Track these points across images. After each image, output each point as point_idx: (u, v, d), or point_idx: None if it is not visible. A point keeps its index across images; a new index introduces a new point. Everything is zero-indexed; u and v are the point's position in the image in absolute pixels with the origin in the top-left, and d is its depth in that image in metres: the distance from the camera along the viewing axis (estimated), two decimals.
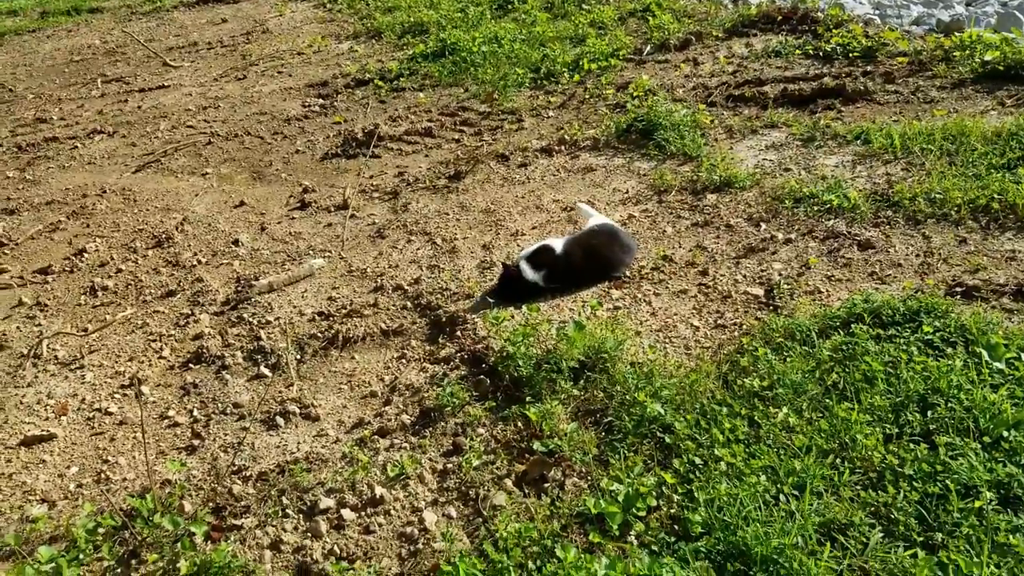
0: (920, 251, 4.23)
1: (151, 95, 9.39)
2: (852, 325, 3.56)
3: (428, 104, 7.87)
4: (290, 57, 10.33)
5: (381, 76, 8.79)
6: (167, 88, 9.59)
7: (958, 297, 3.79)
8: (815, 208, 4.75)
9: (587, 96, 7.41)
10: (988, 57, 6.39)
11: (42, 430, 3.70)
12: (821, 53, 7.45)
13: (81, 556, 2.83)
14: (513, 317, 4.05)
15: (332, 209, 5.85)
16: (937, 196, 4.60)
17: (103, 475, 3.38)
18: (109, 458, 3.49)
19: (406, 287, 4.59)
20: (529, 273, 4.26)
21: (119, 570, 2.83)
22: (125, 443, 3.60)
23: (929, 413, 3.01)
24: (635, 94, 7.06)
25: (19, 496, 3.30)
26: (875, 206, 4.68)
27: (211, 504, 3.11)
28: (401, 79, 8.69)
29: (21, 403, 3.94)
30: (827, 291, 4.01)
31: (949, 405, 3.02)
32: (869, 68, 6.94)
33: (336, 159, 6.88)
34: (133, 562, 2.86)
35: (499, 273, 4.43)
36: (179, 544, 2.85)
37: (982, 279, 3.90)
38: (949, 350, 3.35)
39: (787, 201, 4.87)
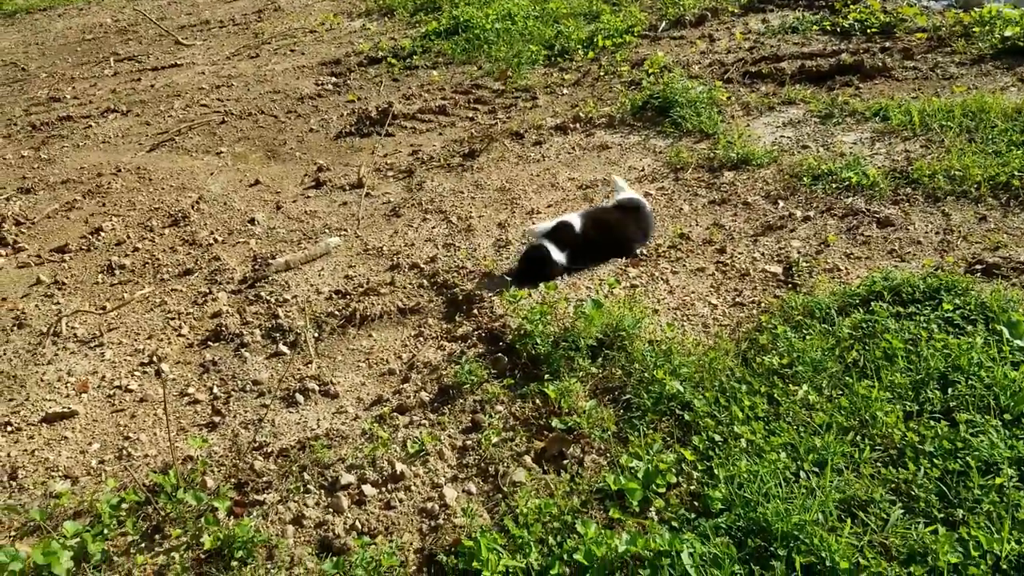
0: (940, 228, 4.21)
1: (164, 74, 9.39)
2: (872, 303, 3.55)
3: (442, 82, 7.84)
4: (302, 35, 10.30)
5: (394, 54, 8.76)
6: (180, 67, 9.58)
7: (978, 275, 3.77)
8: (834, 185, 4.73)
9: (602, 73, 7.37)
10: (1008, 33, 6.32)
11: (63, 407, 3.73)
12: (839, 29, 7.39)
13: (105, 531, 2.86)
14: (530, 295, 4.05)
15: (347, 188, 5.85)
16: (957, 173, 4.56)
17: (125, 452, 3.40)
18: (130, 435, 3.52)
19: (422, 265, 4.59)
20: (556, 255, 4.24)
21: (143, 545, 2.86)
22: (146, 420, 3.62)
23: (949, 391, 3.01)
24: (650, 71, 7.01)
25: (42, 472, 3.33)
26: (894, 183, 4.65)
27: (233, 480, 3.14)
28: (414, 57, 8.65)
29: (42, 380, 3.97)
30: (846, 269, 3.99)
31: (969, 382, 3.01)
32: (887, 44, 6.88)
33: (350, 138, 6.87)
34: (157, 537, 2.88)
35: (519, 252, 4.42)
36: (202, 519, 2.88)
37: (1002, 256, 3.87)
38: (969, 328, 3.34)
39: (805, 178, 4.84)
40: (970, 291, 3.53)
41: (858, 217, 4.41)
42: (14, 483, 3.27)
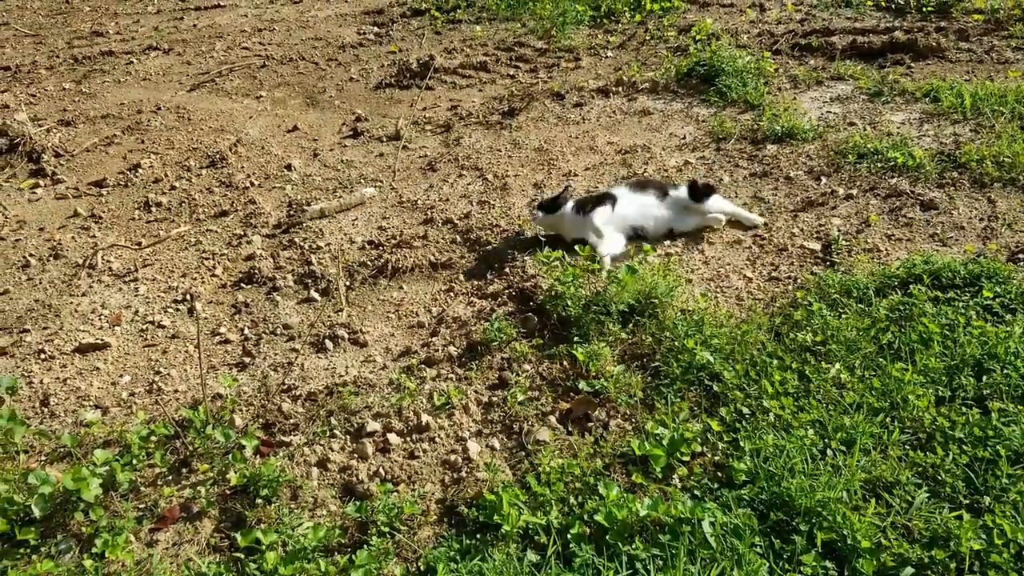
0: (984, 215, 4.13)
1: (207, 14, 9.37)
2: (910, 286, 3.50)
3: (484, 38, 7.77)
4: None
5: (438, 7, 8.68)
6: (223, 8, 9.56)
7: (1021, 263, 3.70)
8: (878, 165, 4.64)
9: (648, 37, 7.26)
10: None
11: (96, 339, 3.77)
12: (893, 6, 7.22)
13: (134, 461, 2.90)
14: (564, 257, 4.03)
15: (384, 139, 5.83)
16: (1006, 160, 4.47)
17: (155, 386, 3.45)
18: (161, 370, 3.56)
19: (456, 221, 4.58)
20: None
21: (170, 477, 2.90)
22: (177, 356, 3.66)
23: (984, 378, 2.96)
24: (698, 38, 6.90)
25: (73, 400, 3.38)
26: (940, 166, 4.56)
27: (261, 420, 3.17)
28: (458, 11, 8.57)
29: (76, 311, 4.02)
30: (886, 250, 3.94)
31: (1005, 371, 2.96)
32: (943, 24, 6.72)
33: (390, 89, 6.84)
34: (184, 470, 2.93)
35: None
36: (229, 456, 2.92)
37: None
38: (1008, 316, 3.29)
39: (850, 156, 4.76)
40: (1011, 280, 3.47)
41: (901, 198, 4.33)
42: (46, 409, 3.32)
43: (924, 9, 7.03)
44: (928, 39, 6.38)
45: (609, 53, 7.07)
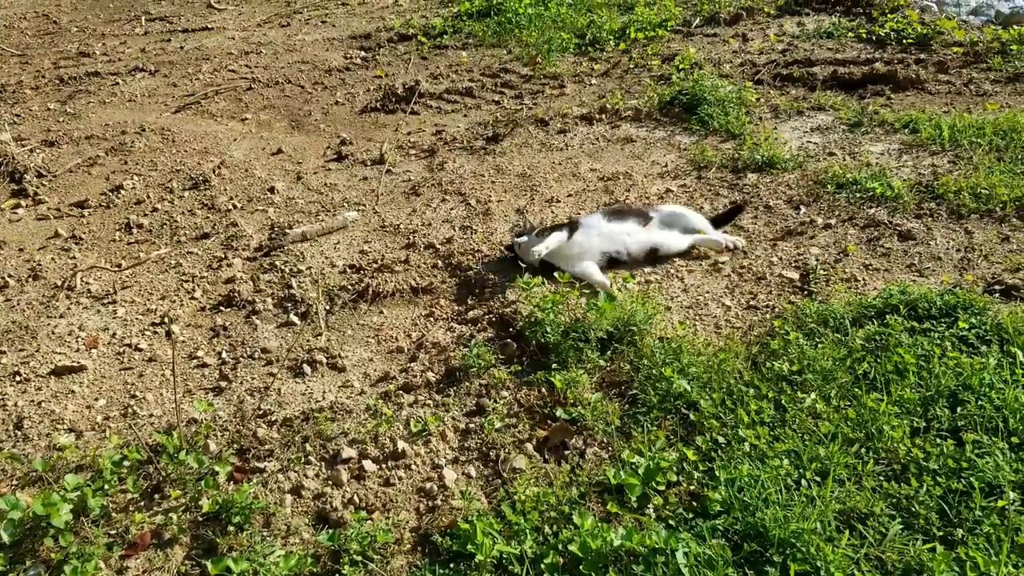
0: (961, 246, 4.17)
1: (194, 36, 9.39)
2: (887, 316, 3.52)
3: (470, 63, 7.81)
4: (334, 7, 10.28)
5: (425, 32, 8.73)
6: (210, 30, 9.59)
7: (996, 295, 3.74)
8: (857, 195, 4.69)
9: (632, 66, 7.32)
10: None
11: (72, 361, 3.75)
12: (874, 37, 7.31)
13: (106, 486, 2.88)
14: (543, 283, 4.03)
15: (368, 163, 5.84)
16: (983, 191, 4.52)
17: (130, 409, 3.42)
18: (137, 393, 3.54)
19: (438, 246, 4.59)
20: None
21: (142, 503, 2.88)
22: (153, 380, 3.64)
23: (959, 409, 2.98)
24: (681, 67, 6.97)
25: (47, 424, 3.35)
26: (918, 197, 4.61)
27: (235, 445, 3.15)
28: (444, 36, 8.63)
29: (53, 333, 3.99)
30: (864, 279, 3.96)
31: (979, 403, 2.98)
32: (922, 56, 6.81)
33: (375, 113, 6.87)
34: (156, 496, 2.90)
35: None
36: (202, 482, 2.89)
37: (1022, 279, 3.83)
38: (983, 348, 3.31)
39: (829, 186, 4.80)
40: (987, 311, 3.49)
41: (880, 229, 4.37)
42: (19, 432, 3.29)
43: (904, 41, 7.13)
44: (908, 71, 6.46)
45: (593, 81, 7.12)
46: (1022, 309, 3.56)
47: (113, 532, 2.75)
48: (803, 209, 4.66)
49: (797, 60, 7.01)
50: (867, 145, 5.38)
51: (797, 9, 8.46)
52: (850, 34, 7.50)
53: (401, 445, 3.08)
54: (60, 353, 3.83)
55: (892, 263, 4.09)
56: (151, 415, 3.40)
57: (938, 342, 3.34)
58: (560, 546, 2.53)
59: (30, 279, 4.45)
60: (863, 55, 6.98)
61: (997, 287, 3.79)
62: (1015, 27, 6.94)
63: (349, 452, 3.08)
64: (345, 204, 5.22)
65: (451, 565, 2.55)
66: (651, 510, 2.72)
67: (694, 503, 2.72)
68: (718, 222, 4.50)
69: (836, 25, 7.72)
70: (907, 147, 5.29)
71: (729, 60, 7.20)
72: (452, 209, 5.05)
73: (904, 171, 4.96)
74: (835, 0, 8.39)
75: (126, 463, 2.97)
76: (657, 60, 7.32)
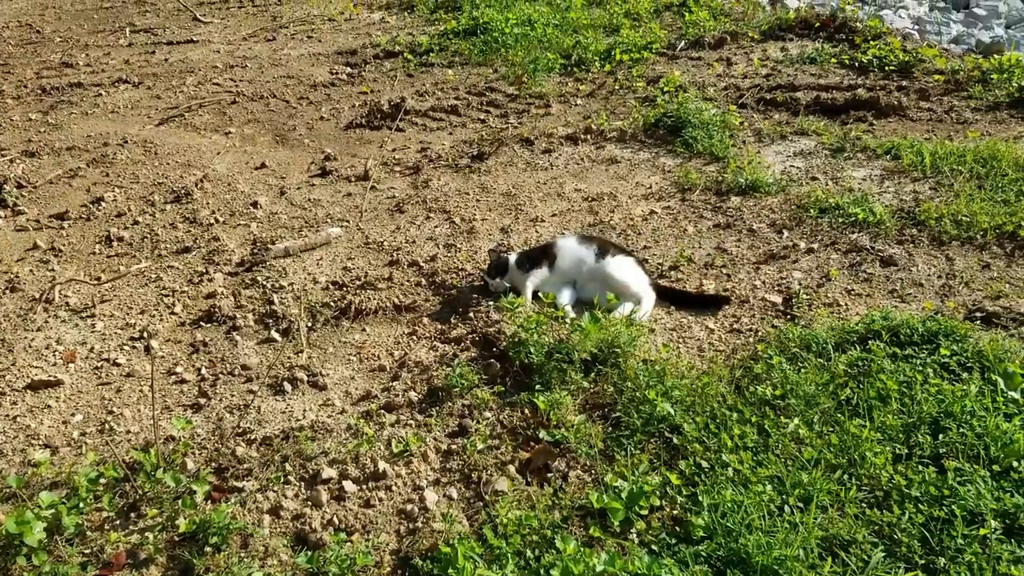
0: (942, 272, 4.20)
1: (179, 49, 9.36)
2: (869, 341, 3.53)
3: (456, 82, 7.82)
4: (321, 23, 10.28)
5: (411, 49, 8.74)
6: (195, 43, 9.55)
7: (977, 322, 3.76)
8: (840, 220, 4.71)
9: (617, 87, 7.35)
10: None
11: (49, 375, 3.70)
12: (857, 64, 7.38)
13: (81, 504, 2.83)
14: (527, 303, 4.02)
15: (353, 179, 5.83)
16: (964, 218, 4.55)
17: (107, 425, 3.37)
18: (114, 409, 3.49)
19: (422, 264, 4.57)
20: None
21: (118, 522, 2.83)
22: (131, 395, 3.59)
23: (940, 436, 2.99)
24: (665, 89, 7.00)
25: (22, 439, 3.30)
26: (900, 223, 4.64)
27: (214, 464, 3.11)
28: (431, 54, 8.64)
29: (30, 347, 3.94)
30: (846, 304, 3.98)
31: (961, 430, 2.99)
32: (904, 83, 6.88)
33: (360, 129, 6.85)
34: (132, 515, 2.85)
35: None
36: (179, 501, 2.85)
37: (1003, 306, 3.86)
38: (965, 375, 3.32)
39: (812, 210, 4.83)
40: (968, 338, 3.51)
41: (862, 254, 4.40)
42: None
43: (887, 68, 7.20)
44: (890, 97, 6.53)
45: (579, 101, 7.15)
46: (1002, 337, 3.59)
47: (87, 551, 2.71)
48: (786, 233, 4.68)
49: (780, 85, 7.07)
50: (849, 170, 5.42)
51: (781, 34, 8.53)
52: (833, 60, 7.57)
53: (382, 466, 3.05)
54: (37, 367, 3.78)
55: (874, 288, 4.11)
56: (128, 431, 3.35)
57: (920, 368, 3.35)
58: (542, 571, 2.51)
59: (7, 291, 4.40)
60: (846, 81, 7.04)
61: (978, 314, 3.82)
62: (995, 56, 7.03)
63: (329, 472, 3.04)
64: (329, 220, 5.20)
65: None
66: (634, 535, 2.70)
67: (677, 528, 2.71)
68: (689, 301, 4.14)
69: (819, 51, 7.79)
70: (889, 173, 5.33)
71: (713, 83, 7.24)
72: (436, 227, 5.03)
73: (886, 197, 5.00)
74: (819, 26, 8.47)
75: (102, 480, 2.92)
76: (642, 82, 7.36)
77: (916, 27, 8.99)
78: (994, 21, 9.16)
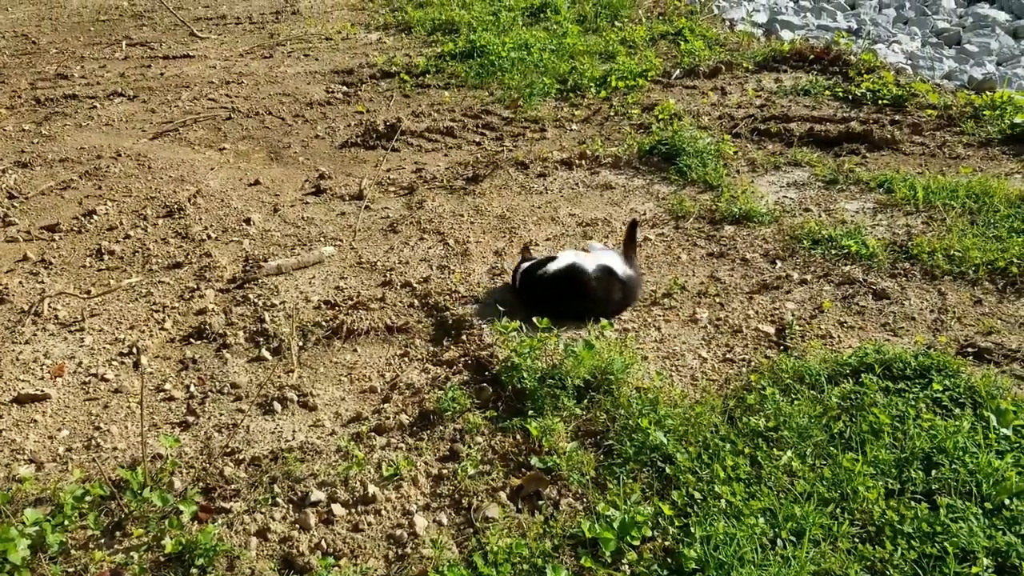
0: (935, 307, 4.21)
1: (175, 63, 9.36)
2: (862, 374, 3.53)
3: (452, 103, 7.84)
4: (318, 41, 10.30)
5: (407, 70, 8.76)
6: (192, 58, 9.55)
7: (970, 357, 3.77)
8: (833, 252, 4.73)
9: (612, 113, 7.39)
10: (1018, 120, 6.37)
11: (36, 389, 3.66)
12: (850, 97, 7.43)
13: (66, 522, 2.79)
14: (521, 328, 4.01)
15: (347, 198, 5.82)
16: (956, 253, 4.58)
17: (94, 442, 3.34)
18: (101, 425, 3.45)
19: (415, 285, 4.55)
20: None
21: (103, 540, 2.79)
22: (118, 412, 3.56)
23: (933, 472, 2.98)
24: (660, 117, 7.04)
25: (7, 454, 3.26)
26: (893, 256, 4.66)
27: (201, 484, 3.07)
28: (427, 75, 8.66)
29: (17, 360, 3.89)
30: (839, 337, 3.98)
31: (953, 466, 2.99)
32: (897, 117, 6.93)
33: (355, 148, 6.85)
34: (118, 534, 2.82)
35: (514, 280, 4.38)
36: (166, 521, 2.82)
37: (995, 342, 3.87)
38: (957, 410, 3.33)
39: (805, 241, 4.84)
40: (960, 373, 3.52)
41: (855, 286, 4.41)
42: None
43: (880, 102, 7.25)
44: (883, 131, 6.57)
45: (574, 126, 7.17)
46: (994, 373, 3.60)
47: (71, 570, 2.67)
48: (779, 264, 4.69)
49: (774, 115, 7.11)
50: (842, 202, 5.45)
51: (775, 66, 8.59)
52: (827, 92, 7.62)
53: (372, 489, 3.02)
54: (24, 380, 3.74)
55: (867, 321, 4.12)
56: (115, 448, 3.31)
57: (912, 403, 3.35)
58: None
59: None
60: (839, 113, 7.10)
61: (970, 349, 3.83)
62: (987, 93, 7.10)
63: (318, 495, 3.01)
64: (322, 239, 5.18)
65: None
66: (626, 565, 2.68)
67: (669, 559, 2.69)
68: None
69: (813, 83, 7.84)
70: (882, 206, 5.36)
71: (708, 112, 7.28)
72: (430, 248, 5.03)
73: (879, 230, 5.03)
74: (813, 59, 8.54)
75: (88, 498, 2.89)
76: (637, 109, 7.39)
77: (909, 62, 9.07)
78: (986, 58, 9.25)
